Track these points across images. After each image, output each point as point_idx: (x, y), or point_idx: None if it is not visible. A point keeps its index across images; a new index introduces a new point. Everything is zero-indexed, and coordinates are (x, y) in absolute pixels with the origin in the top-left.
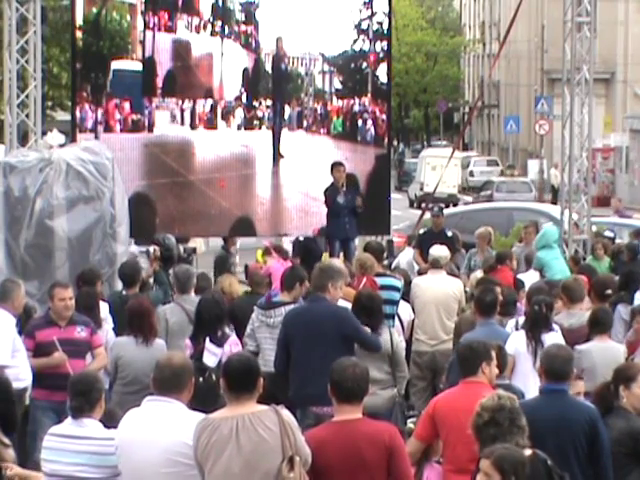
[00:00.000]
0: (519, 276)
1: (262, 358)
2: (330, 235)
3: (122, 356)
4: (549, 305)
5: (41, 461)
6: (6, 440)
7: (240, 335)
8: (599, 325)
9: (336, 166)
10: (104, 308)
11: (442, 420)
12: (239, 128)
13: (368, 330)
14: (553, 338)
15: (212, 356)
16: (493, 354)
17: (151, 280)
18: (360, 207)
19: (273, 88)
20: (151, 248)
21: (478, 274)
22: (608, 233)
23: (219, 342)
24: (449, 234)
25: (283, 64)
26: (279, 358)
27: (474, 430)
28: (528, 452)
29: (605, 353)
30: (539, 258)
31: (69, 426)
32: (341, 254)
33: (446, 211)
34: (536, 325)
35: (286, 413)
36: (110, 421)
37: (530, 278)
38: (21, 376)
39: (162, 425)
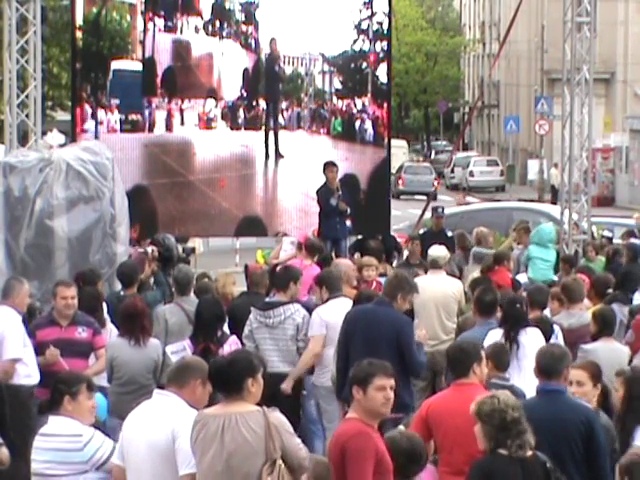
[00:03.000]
0: (518, 276)
1: None
2: (322, 235)
3: (117, 357)
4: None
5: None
6: None
7: (239, 335)
8: (607, 328)
9: (329, 166)
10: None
11: (437, 423)
12: (239, 128)
13: None
14: (531, 334)
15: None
16: (483, 354)
17: (151, 280)
18: (345, 211)
19: (266, 88)
20: (149, 248)
21: (475, 274)
22: (607, 233)
23: (219, 342)
24: (449, 234)
25: (277, 65)
26: (339, 356)
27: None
28: (528, 453)
29: (610, 354)
30: (529, 251)
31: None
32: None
33: (446, 211)
34: (515, 323)
35: (275, 415)
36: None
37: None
38: (31, 373)
39: (151, 416)
